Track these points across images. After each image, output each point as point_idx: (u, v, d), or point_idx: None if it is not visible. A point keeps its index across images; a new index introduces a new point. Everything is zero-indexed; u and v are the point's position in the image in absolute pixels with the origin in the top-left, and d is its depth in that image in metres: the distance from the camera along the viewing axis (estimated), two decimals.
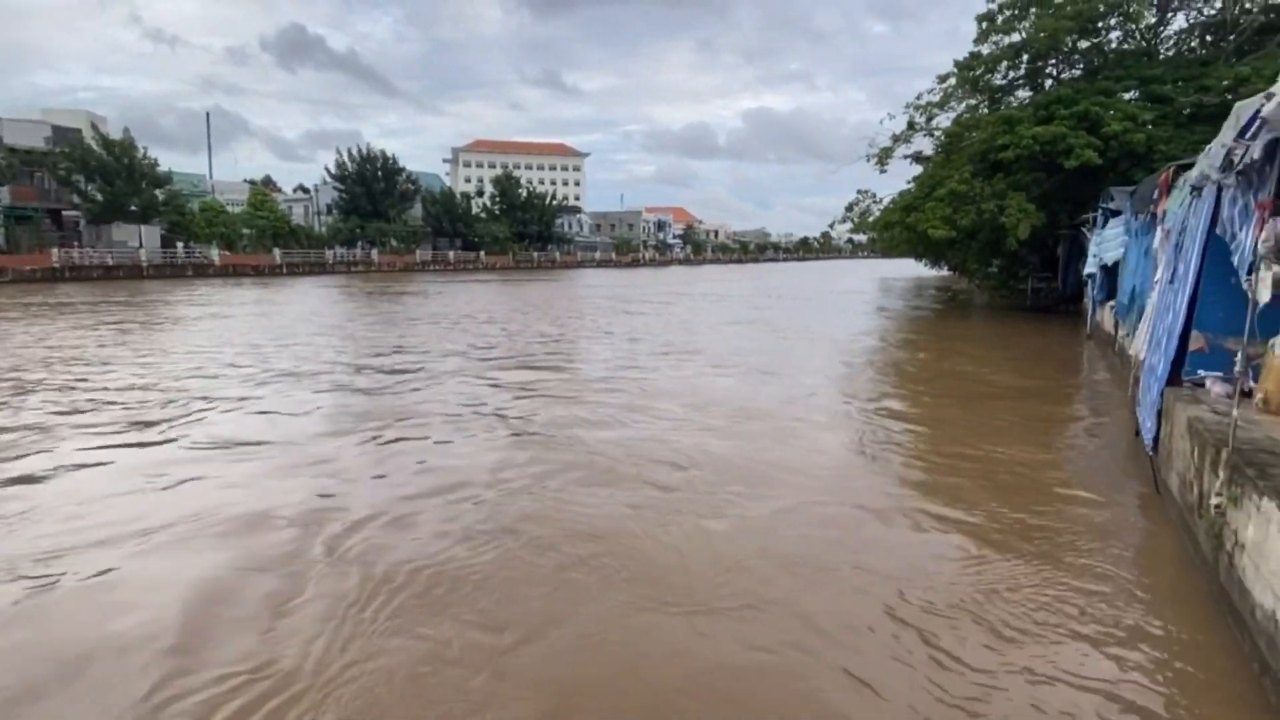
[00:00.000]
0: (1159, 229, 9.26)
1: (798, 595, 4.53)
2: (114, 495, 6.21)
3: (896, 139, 26.44)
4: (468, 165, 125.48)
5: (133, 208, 49.62)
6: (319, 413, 9.27)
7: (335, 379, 11.59)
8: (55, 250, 43.75)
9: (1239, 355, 4.85)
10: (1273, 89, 4.22)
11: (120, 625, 4.15)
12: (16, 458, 7.27)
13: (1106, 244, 15.22)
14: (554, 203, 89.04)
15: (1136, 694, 3.60)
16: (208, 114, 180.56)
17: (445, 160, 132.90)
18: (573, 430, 8.30)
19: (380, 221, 67.36)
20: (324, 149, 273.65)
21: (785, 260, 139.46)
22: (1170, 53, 24.36)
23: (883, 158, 26.27)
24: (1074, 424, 9.19)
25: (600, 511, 5.82)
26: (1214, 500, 4.37)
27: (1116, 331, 13.04)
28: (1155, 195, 10.06)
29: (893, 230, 24.97)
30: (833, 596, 4.53)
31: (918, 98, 26.33)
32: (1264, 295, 4.59)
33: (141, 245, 49.10)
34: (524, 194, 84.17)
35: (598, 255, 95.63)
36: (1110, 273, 15.71)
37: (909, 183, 27.44)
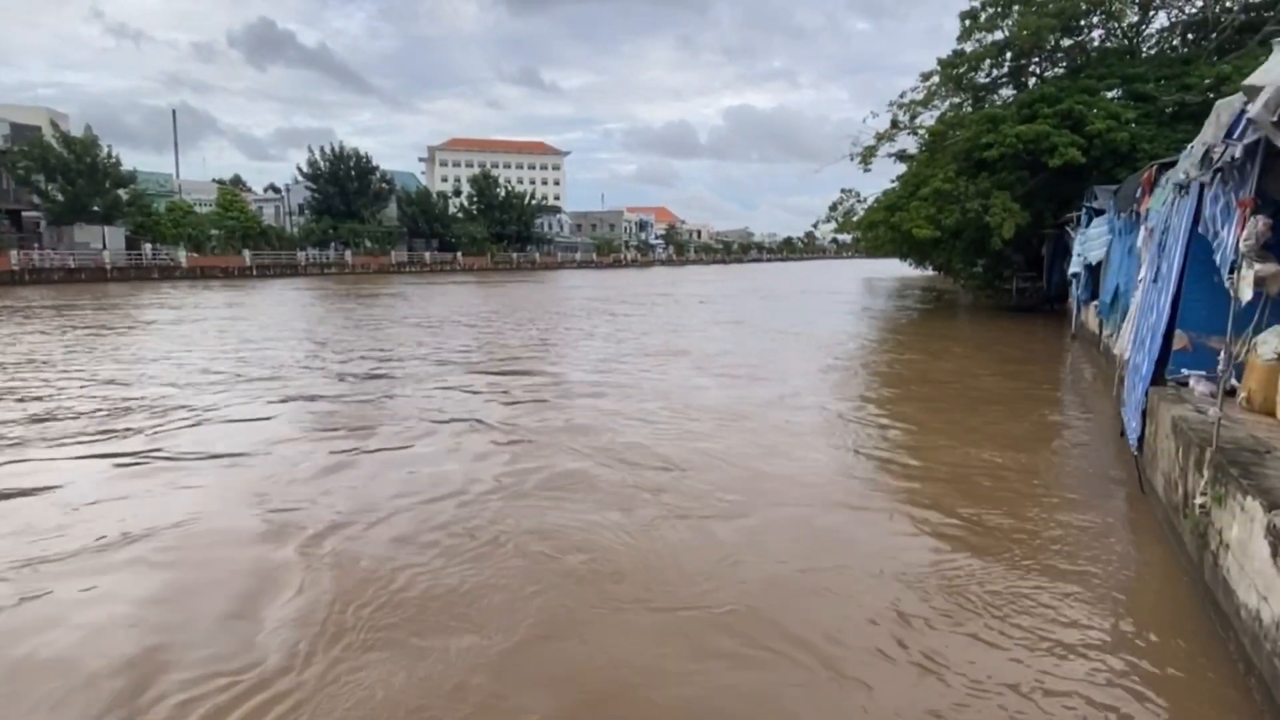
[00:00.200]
0: (1142, 228, 9.41)
1: (782, 599, 4.55)
2: (72, 508, 6.09)
3: (880, 138, 26.70)
4: (444, 164, 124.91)
5: (95, 208, 48.85)
6: (292, 421, 9.16)
7: (309, 386, 11.47)
8: (14, 252, 42.96)
9: (1222, 354, 4.94)
10: (1249, 81, 4.29)
11: (54, 651, 4.07)
12: None
13: (1090, 243, 15.44)
14: (533, 202, 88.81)
15: (1121, 696, 3.64)
16: (174, 111, 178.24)
17: (421, 159, 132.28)
18: (556, 436, 8.29)
19: (354, 222, 66.84)
20: (295, 148, 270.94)
21: (769, 261, 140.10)
22: (1152, 51, 24.81)
23: (866, 156, 26.50)
24: (1059, 425, 9.30)
25: (584, 518, 5.81)
26: (1198, 500, 4.44)
27: (1101, 331, 13.23)
28: (1138, 194, 10.22)
29: (877, 230, 25.18)
30: (816, 601, 4.55)
31: (901, 96, 26.65)
32: (1246, 293, 4.68)
33: (105, 247, 48.34)
34: (502, 193, 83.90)
35: (578, 256, 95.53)
36: (1095, 272, 15.94)
37: (893, 182, 27.74)
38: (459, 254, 74.44)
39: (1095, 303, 15.03)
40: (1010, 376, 12.57)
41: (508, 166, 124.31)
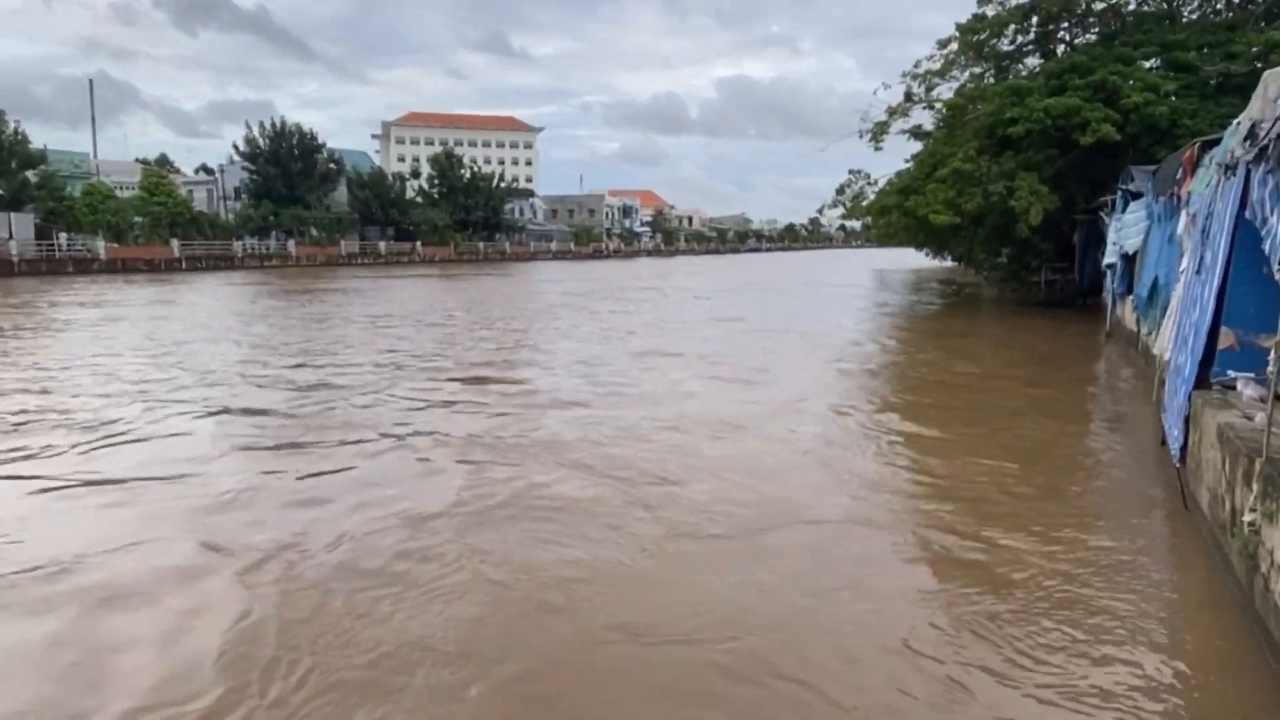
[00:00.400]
0: (1183, 213, 9.53)
1: (788, 624, 4.56)
2: None
3: (892, 112, 26.91)
4: (400, 142, 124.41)
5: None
6: (228, 436, 9.10)
7: (249, 396, 11.40)
8: None
9: (1273, 353, 5.00)
10: None
11: None
12: None
13: (1127, 230, 15.61)
14: (502, 185, 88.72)
15: None
16: (90, 82, 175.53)
17: (374, 136, 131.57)
18: (529, 452, 8.28)
19: (298, 208, 66.45)
20: (231, 123, 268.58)
21: (769, 250, 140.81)
22: (1194, 16, 25.17)
23: (877, 133, 26.70)
24: (1093, 434, 9.39)
25: (562, 543, 5.80)
26: (1247, 517, 4.49)
27: (1139, 329, 13.38)
28: (1179, 175, 10.35)
29: (890, 215, 25.38)
30: (827, 626, 4.57)
31: (916, 65, 26.87)
32: None
33: (11, 236, 47.69)
34: (467, 175, 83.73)
35: (554, 245, 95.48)
36: (1132, 262, 16.12)
37: (907, 161, 27.93)
38: (418, 243, 74.18)
39: (1132, 297, 15.20)
40: (1038, 380, 12.68)
41: (473, 144, 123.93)
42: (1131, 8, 25.77)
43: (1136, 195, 15.53)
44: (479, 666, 4.19)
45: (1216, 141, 8.08)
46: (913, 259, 50.51)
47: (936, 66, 26.62)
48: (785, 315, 24.12)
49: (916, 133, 28.48)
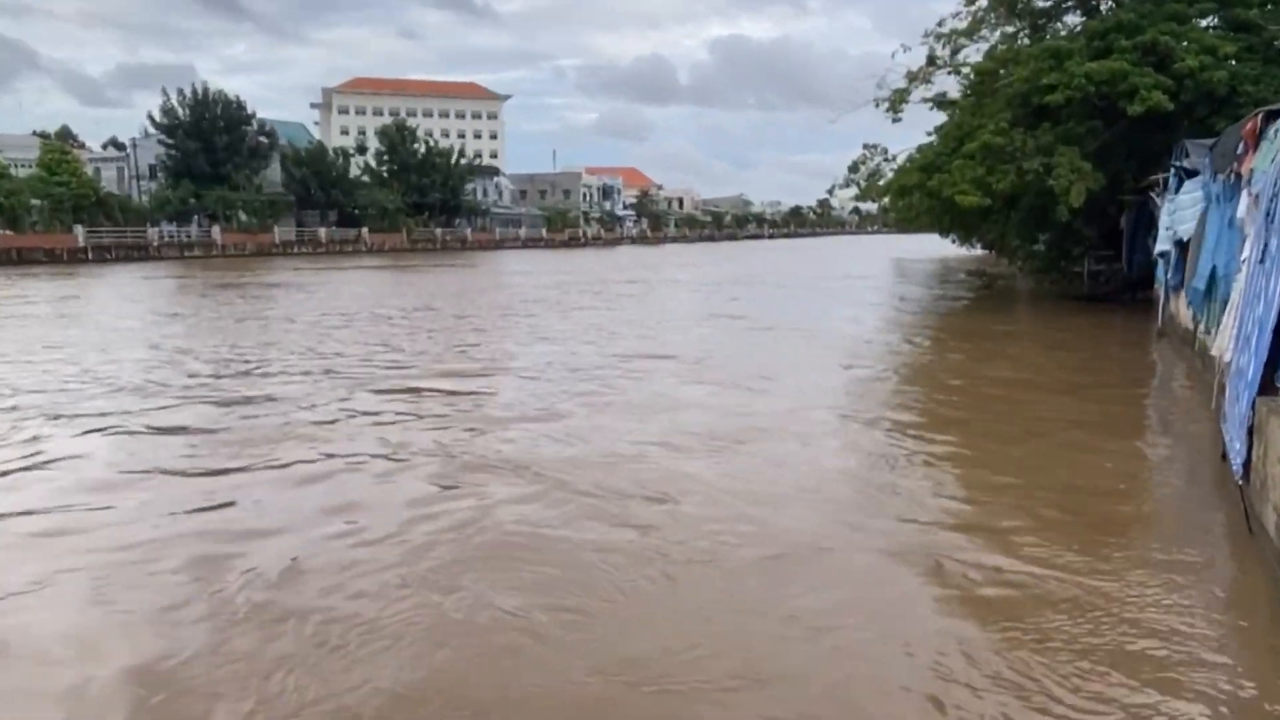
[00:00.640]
0: (1244, 193, 9.64)
1: (801, 668, 4.58)
2: None
3: (913, 78, 27.03)
4: (344, 112, 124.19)
5: None
6: (143, 459, 9.05)
7: (168, 411, 11.36)
8: None
9: None
10: None
11: None
12: None
13: (1181, 213, 15.78)
14: (462, 162, 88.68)
15: None
16: None
17: (314, 105, 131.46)
18: (504, 470, 8.29)
19: (223, 189, 66.16)
20: (145, 90, 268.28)
21: (772, 237, 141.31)
22: None
23: (896, 103, 26.81)
24: (1143, 448, 9.48)
25: (540, 572, 5.82)
26: None
27: (1195, 326, 13.52)
28: (1239, 149, 10.48)
29: (910, 197, 25.47)
30: (846, 670, 4.59)
31: (940, 24, 27.04)
32: None
33: None
34: (421, 150, 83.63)
35: (523, 232, 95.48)
36: (1187, 250, 16.29)
37: (930, 134, 28.08)
38: (365, 230, 73.98)
39: (1187, 290, 15.36)
40: (1081, 387, 12.79)
41: (428, 115, 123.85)
42: None
43: (1192, 173, 15.70)
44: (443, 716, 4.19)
45: None
46: (937, 247, 50.68)
47: (963, 25, 26.77)
48: (791, 312, 24.21)
49: (940, 102, 28.62)
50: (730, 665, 4.67)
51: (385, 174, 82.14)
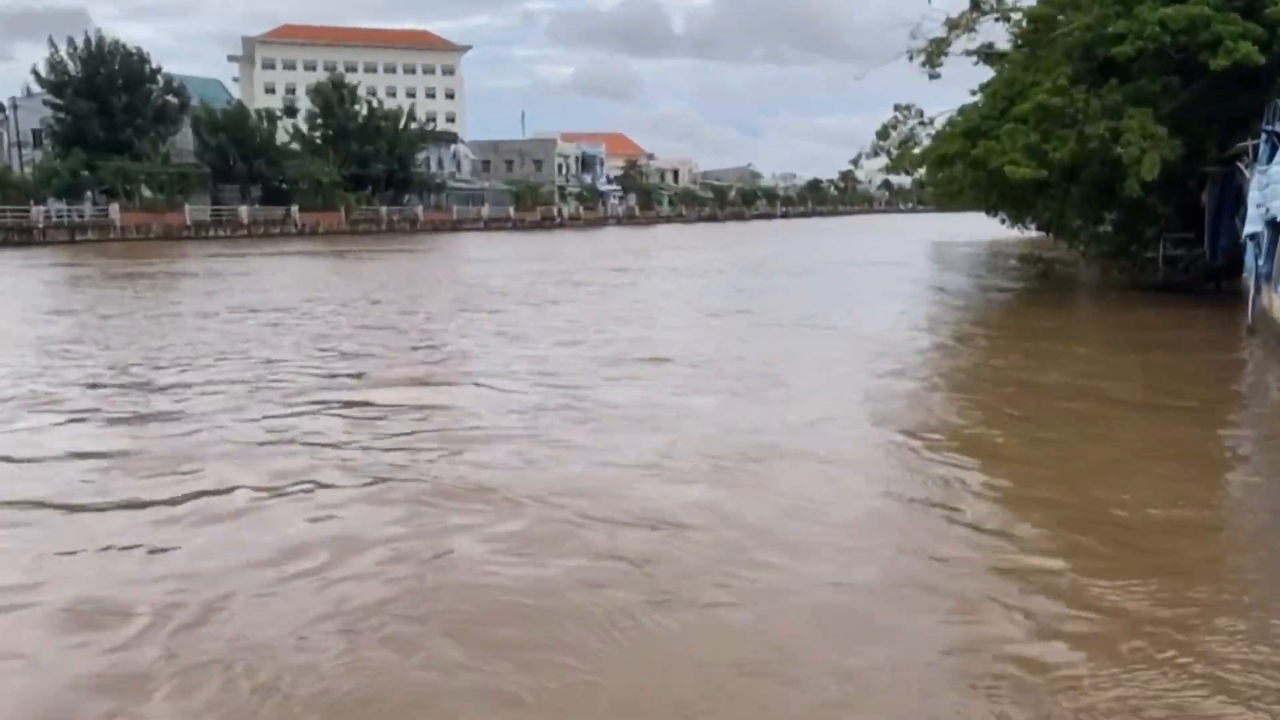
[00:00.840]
0: None
1: None
2: None
3: (954, 25, 27.06)
4: (269, 66, 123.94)
5: None
6: (21, 487, 8.96)
7: (52, 429, 11.30)
8: None
9: None
10: None
11: None
12: None
13: (1275, 187, 15.84)
14: (413, 126, 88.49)
15: None
16: None
17: (232, 58, 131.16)
18: (469, 498, 8.24)
19: (124, 158, 65.65)
20: (27, 40, 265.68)
21: (786, 216, 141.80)
22: None
23: (933, 55, 26.82)
24: (1233, 465, 9.47)
25: (529, 602, 5.88)
26: None
27: None
28: None
29: (951, 168, 25.48)
30: None
31: None
32: None
33: None
34: (363, 112, 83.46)
35: (486, 211, 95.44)
36: None
37: (974, 94, 28.08)
38: (294, 208, 73.74)
39: None
40: (1158, 393, 12.82)
41: (371, 70, 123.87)
42: None
43: None
44: None
45: None
46: (983, 227, 50.81)
47: None
48: (808, 305, 24.17)
49: (987, 54, 28.68)
50: None
51: (319, 141, 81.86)
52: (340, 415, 11.66)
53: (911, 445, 9.99)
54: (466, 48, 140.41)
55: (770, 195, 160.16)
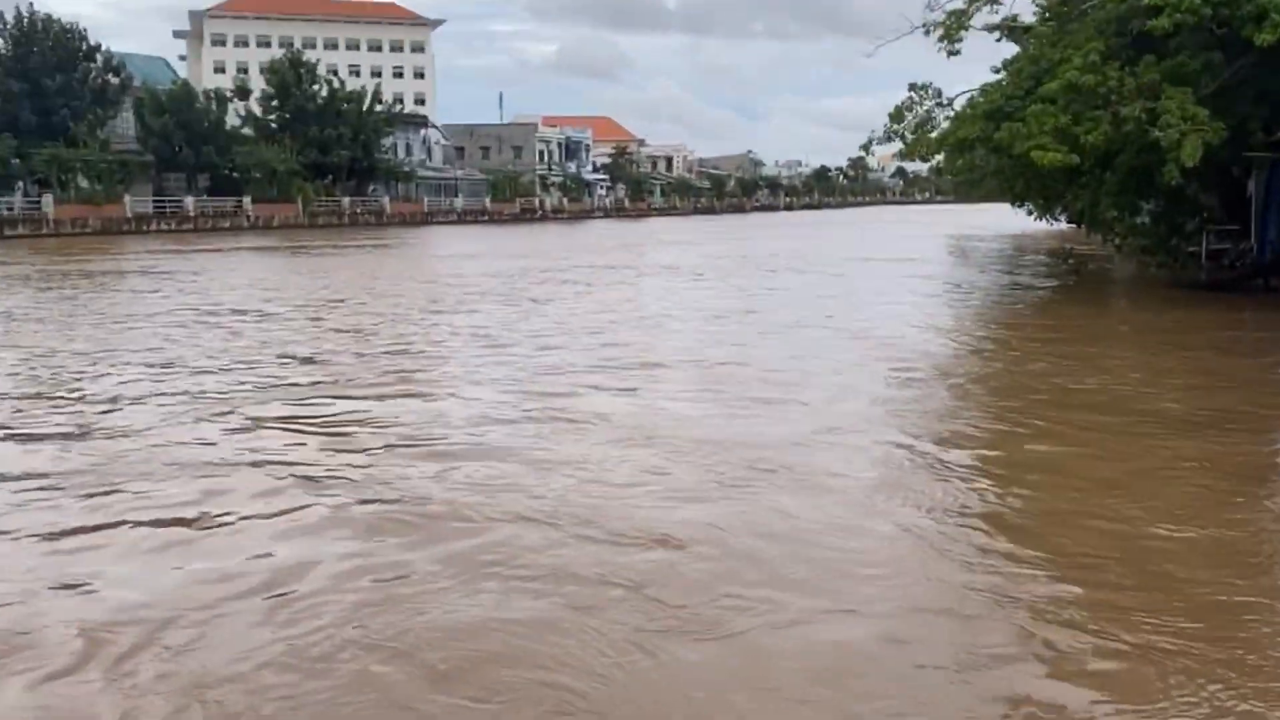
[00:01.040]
0: None
1: None
2: None
3: None
4: (219, 43, 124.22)
5: None
6: None
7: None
8: None
9: None
10: None
11: None
12: None
13: None
14: (379, 108, 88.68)
15: None
16: None
17: (178, 34, 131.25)
18: (441, 528, 8.18)
19: (57, 145, 65.66)
20: None
21: (790, 208, 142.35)
22: None
23: (952, 29, 26.93)
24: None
25: (509, 629, 5.90)
26: None
27: None
28: None
29: (971, 153, 25.56)
30: None
31: None
32: None
33: None
34: (323, 92, 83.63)
35: (460, 202, 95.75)
36: None
37: (997, 71, 28.19)
38: (247, 200, 73.84)
39: None
40: (1200, 402, 12.84)
41: (332, 46, 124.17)
42: None
43: None
44: None
45: None
46: (1007, 219, 51.04)
47: None
48: (817, 305, 24.23)
49: (1011, 28, 28.79)
50: None
51: (274, 125, 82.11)
52: (295, 430, 11.63)
53: (930, 455, 10.03)
54: (439, 22, 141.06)
55: (773, 185, 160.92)
